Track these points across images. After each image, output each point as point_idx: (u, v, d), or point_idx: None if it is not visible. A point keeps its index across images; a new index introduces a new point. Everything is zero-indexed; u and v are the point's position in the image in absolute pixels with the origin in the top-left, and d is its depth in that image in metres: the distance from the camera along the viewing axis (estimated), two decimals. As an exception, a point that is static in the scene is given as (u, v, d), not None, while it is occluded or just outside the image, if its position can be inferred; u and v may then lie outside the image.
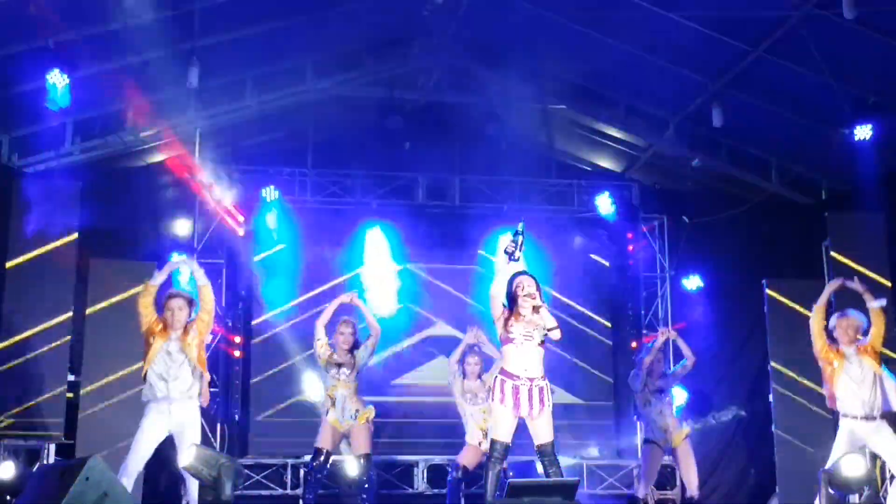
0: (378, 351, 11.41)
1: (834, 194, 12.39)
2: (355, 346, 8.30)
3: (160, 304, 7.08)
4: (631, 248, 12.77)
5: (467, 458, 8.43)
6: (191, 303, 7.09)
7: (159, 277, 7.01)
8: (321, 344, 8.19)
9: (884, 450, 7.38)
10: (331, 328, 8.33)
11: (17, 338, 10.19)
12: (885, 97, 10.09)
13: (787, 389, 11.26)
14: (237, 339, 11.88)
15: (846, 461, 6.78)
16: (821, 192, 12.60)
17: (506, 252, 6.60)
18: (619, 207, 12.38)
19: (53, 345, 10.26)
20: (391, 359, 12.08)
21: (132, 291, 10.00)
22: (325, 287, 11.95)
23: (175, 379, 6.91)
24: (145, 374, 6.97)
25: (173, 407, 6.89)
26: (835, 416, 7.84)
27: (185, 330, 7.02)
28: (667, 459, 9.51)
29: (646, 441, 8.94)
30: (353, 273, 12.11)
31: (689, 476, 8.81)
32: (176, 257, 7.19)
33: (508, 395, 6.43)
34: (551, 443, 6.52)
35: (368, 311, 8.52)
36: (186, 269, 7.51)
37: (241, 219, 11.77)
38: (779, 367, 11.33)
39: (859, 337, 7.52)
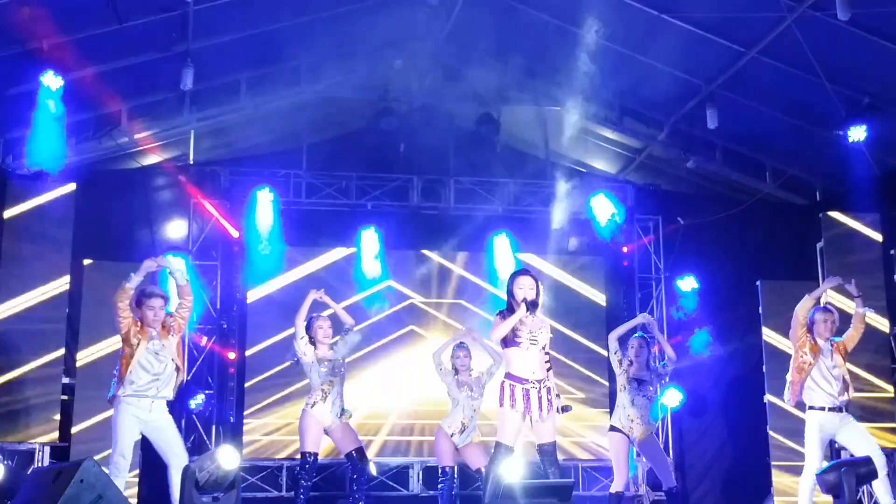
0: (372, 354, 11.45)
1: (828, 195, 12.41)
2: (335, 342, 8.36)
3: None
4: (626, 249, 12.76)
5: (447, 458, 8.45)
6: (167, 301, 7.12)
7: (136, 279, 6.99)
8: (305, 341, 8.20)
9: (851, 440, 7.65)
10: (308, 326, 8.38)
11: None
12: (879, 98, 10.11)
13: (782, 389, 11.25)
14: (232, 341, 11.88)
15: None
16: (815, 193, 12.63)
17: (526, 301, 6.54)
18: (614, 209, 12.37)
19: (47, 345, 10.26)
20: (385, 361, 12.08)
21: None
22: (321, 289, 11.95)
23: (165, 379, 6.95)
24: (124, 373, 6.91)
25: (154, 405, 6.91)
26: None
27: (165, 328, 7.04)
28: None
29: (611, 428, 8.72)
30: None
31: (663, 469, 8.76)
32: (149, 261, 7.13)
33: (519, 399, 6.44)
34: (553, 443, 6.58)
35: (338, 307, 8.55)
36: (159, 267, 7.37)
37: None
38: (773, 368, 11.34)
39: (834, 335, 7.86)
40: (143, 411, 6.89)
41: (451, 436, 8.45)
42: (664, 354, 9.01)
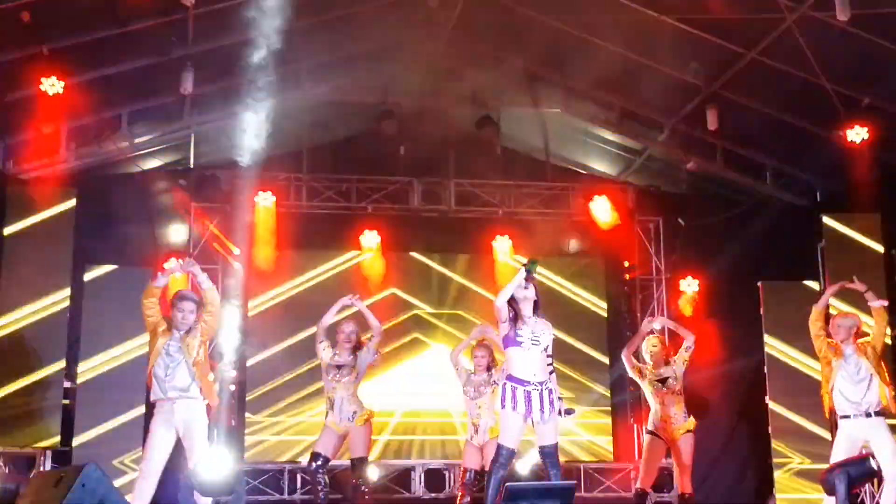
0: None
1: (828, 196, 12.40)
2: (358, 346, 8.29)
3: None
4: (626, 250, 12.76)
5: (469, 461, 8.47)
6: (199, 305, 7.11)
7: (162, 280, 7.07)
8: (324, 346, 8.20)
9: (878, 448, 7.36)
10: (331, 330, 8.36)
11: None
12: (879, 99, 10.11)
13: (783, 391, 11.28)
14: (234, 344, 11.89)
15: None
16: (815, 194, 12.61)
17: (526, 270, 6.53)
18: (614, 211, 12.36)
19: (49, 349, 10.26)
20: (387, 361, 12.10)
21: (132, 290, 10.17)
22: (321, 291, 11.97)
23: (171, 378, 6.89)
24: (149, 371, 6.94)
25: (176, 406, 6.87)
26: (831, 416, 7.85)
27: (188, 330, 7.02)
28: (665, 462, 9.51)
29: (646, 431, 8.84)
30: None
31: (682, 474, 8.75)
32: (176, 263, 7.16)
33: (521, 401, 6.42)
34: (555, 445, 6.58)
35: (369, 313, 8.44)
36: (185, 275, 7.51)
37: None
38: (774, 368, 11.35)
39: (853, 336, 7.55)
40: (168, 413, 6.87)
41: (471, 439, 8.44)
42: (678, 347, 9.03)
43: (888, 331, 8.12)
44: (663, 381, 8.75)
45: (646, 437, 8.82)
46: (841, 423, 7.47)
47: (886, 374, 7.50)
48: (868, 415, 7.35)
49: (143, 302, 6.99)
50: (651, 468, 8.76)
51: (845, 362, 7.45)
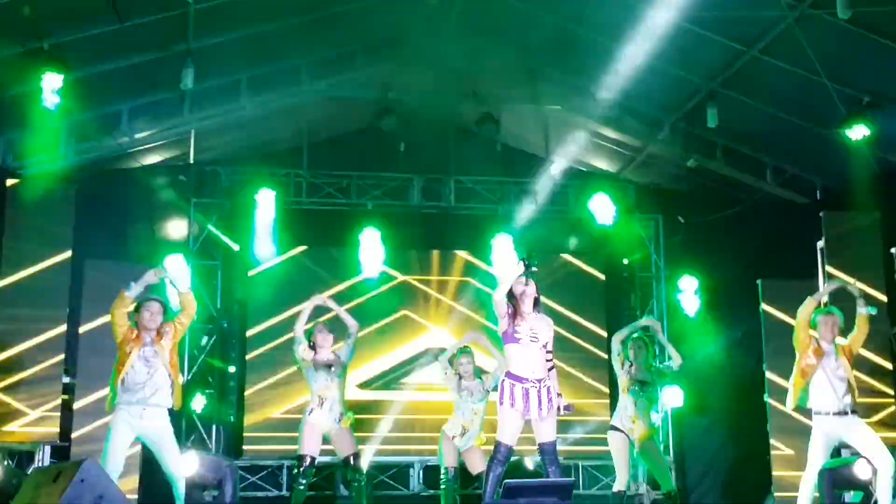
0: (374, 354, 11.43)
1: (829, 194, 12.39)
2: (335, 343, 8.30)
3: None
4: (625, 248, 12.77)
5: (449, 458, 8.44)
6: (164, 308, 7.12)
7: (135, 289, 7.01)
8: (304, 347, 8.16)
9: (860, 442, 7.48)
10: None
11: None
12: (879, 97, 10.10)
13: (783, 389, 11.25)
14: (232, 341, 11.92)
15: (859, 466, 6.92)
16: (815, 192, 12.60)
17: (525, 264, 6.50)
18: (614, 208, 12.34)
19: (48, 344, 10.26)
20: (387, 361, 12.10)
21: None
22: (322, 289, 11.96)
23: (153, 384, 6.92)
24: (116, 380, 6.89)
25: (146, 412, 6.88)
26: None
27: (159, 333, 7.04)
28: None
29: (612, 427, 8.64)
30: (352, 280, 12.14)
31: (663, 473, 8.72)
32: (150, 273, 7.13)
33: (519, 398, 6.41)
34: (554, 442, 6.57)
35: (342, 310, 8.47)
36: (159, 278, 7.39)
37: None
38: (774, 366, 11.34)
39: (839, 336, 7.66)
40: (135, 418, 6.85)
41: (453, 438, 8.44)
42: (666, 355, 8.98)
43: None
44: (643, 384, 8.70)
45: (612, 435, 8.57)
46: (817, 419, 7.53)
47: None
48: (844, 413, 7.44)
49: (114, 313, 6.95)
50: (624, 466, 8.56)
51: (827, 359, 7.54)
